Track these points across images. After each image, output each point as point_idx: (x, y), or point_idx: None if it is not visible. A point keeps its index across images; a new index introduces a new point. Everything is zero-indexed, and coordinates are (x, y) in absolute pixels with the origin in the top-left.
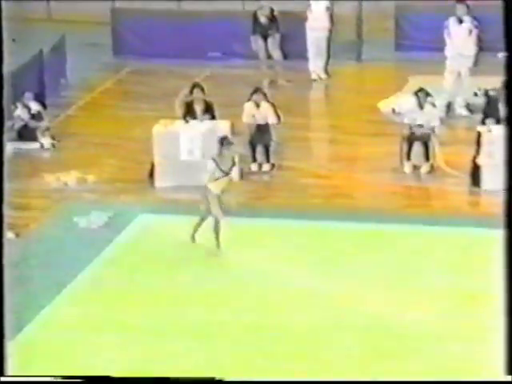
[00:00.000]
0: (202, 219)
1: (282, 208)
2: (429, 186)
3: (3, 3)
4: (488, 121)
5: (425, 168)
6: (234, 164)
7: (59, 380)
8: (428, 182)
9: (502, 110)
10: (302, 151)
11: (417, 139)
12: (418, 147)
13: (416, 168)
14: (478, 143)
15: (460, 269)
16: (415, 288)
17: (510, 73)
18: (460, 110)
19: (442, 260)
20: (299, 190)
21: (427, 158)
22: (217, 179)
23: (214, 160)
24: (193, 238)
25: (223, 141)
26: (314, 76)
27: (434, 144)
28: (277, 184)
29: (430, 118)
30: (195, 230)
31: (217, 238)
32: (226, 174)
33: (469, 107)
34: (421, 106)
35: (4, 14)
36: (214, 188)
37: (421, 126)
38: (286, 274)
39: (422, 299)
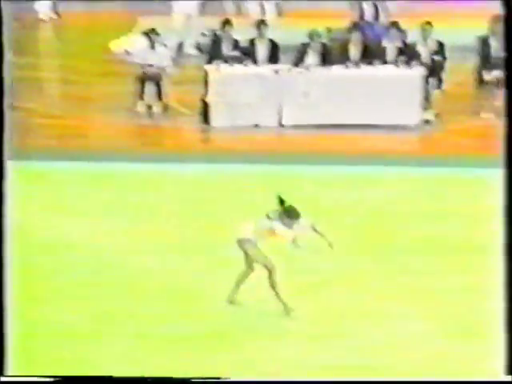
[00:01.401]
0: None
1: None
2: (162, 124)
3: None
4: (215, 60)
5: (157, 107)
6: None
7: (59, 380)
8: (161, 121)
9: (226, 49)
10: (33, 91)
11: (149, 79)
12: (150, 87)
13: (149, 107)
14: (206, 82)
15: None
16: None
17: (509, 69)
18: (190, 50)
19: (173, 197)
20: (32, 130)
21: (160, 97)
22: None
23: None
24: (233, 300)
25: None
26: (42, 16)
27: (166, 83)
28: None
29: (161, 58)
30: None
31: (278, 295)
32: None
33: (199, 47)
34: (152, 47)
35: None
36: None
37: (152, 66)
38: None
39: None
